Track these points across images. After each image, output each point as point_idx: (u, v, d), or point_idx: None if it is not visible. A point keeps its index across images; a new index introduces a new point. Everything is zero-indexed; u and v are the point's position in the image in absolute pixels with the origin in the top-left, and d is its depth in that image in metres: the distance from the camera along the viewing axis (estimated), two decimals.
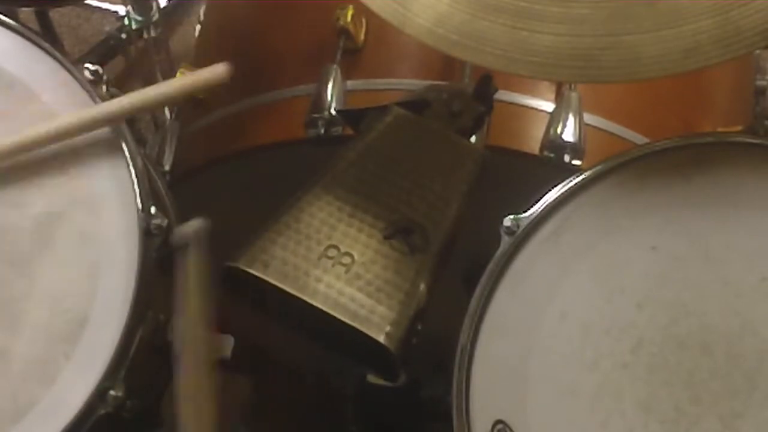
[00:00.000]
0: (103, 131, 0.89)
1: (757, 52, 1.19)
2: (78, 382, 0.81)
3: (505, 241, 0.82)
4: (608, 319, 0.80)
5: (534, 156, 0.99)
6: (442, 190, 0.84)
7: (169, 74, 1.22)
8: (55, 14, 1.46)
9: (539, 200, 0.83)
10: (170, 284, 0.94)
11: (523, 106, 1.02)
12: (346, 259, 0.81)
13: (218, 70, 0.91)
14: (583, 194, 0.84)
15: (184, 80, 0.94)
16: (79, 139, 0.88)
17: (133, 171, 0.87)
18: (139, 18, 1.22)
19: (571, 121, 0.99)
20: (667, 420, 0.76)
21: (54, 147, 0.88)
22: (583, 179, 0.84)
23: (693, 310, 0.79)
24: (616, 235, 0.82)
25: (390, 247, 0.81)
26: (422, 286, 0.81)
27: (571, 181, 0.84)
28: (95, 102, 0.90)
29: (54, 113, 0.90)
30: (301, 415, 1.32)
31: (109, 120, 0.89)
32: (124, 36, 1.42)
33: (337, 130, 1.00)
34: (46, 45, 0.92)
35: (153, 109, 0.94)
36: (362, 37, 1.05)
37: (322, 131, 1.00)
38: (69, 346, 0.82)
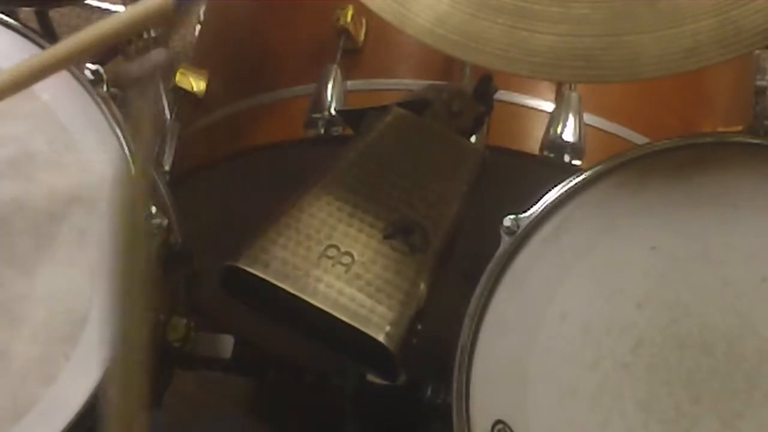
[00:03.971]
0: (103, 130, 0.89)
1: (757, 52, 1.20)
2: (78, 381, 0.81)
3: (505, 241, 0.82)
4: (608, 319, 0.80)
5: (534, 156, 0.99)
6: (442, 190, 0.84)
7: (169, 74, 1.22)
8: (55, 14, 1.46)
9: (539, 200, 0.83)
10: (171, 284, 0.94)
11: (523, 106, 1.02)
12: (346, 259, 0.81)
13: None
14: (583, 194, 0.84)
15: (125, 13, 0.88)
16: (78, 139, 0.89)
17: (133, 170, 0.87)
18: None
19: (571, 121, 0.99)
20: (667, 420, 0.76)
21: (54, 146, 0.88)
22: (583, 179, 0.84)
23: (693, 310, 0.79)
24: (616, 235, 0.82)
25: (390, 247, 0.81)
26: (422, 286, 0.81)
27: (571, 181, 0.84)
28: (96, 102, 0.90)
29: (54, 112, 0.90)
30: (301, 415, 1.32)
31: (64, 62, 0.86)
32: None
33: (337, 130, 1.00)
34: (47, 44, 0.92)
35: (102, 44, 0.87)
36: (362, 37, 1.05)
37: (322, 131, 1.00)
38: (69, 346, 0.82)
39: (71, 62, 0.87)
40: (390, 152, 0.85)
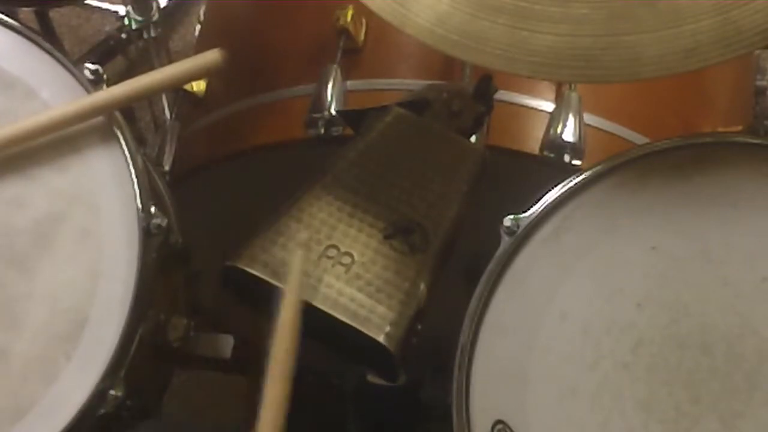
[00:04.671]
0: (104, 130, 0.89)
1: (757, 52, 1.20)
2: (78, 381, 0.81)
3: (505, 241, 0.82)
4: (608, 319, 0.80)
5: (534, 156, 0.99)
6: (442, 190, 0.84)
7: None
8: (55, 14, 1.46)
9: (539, 200, 0.83)
10: (171, 284, 0.94)
11: (523, 106, 1.02)
12: (346, 259, 0.81)
13: (211, 56, 0.90)
14: (583, 194, 0.84)
15: (177, 66, 0.93)
16: (79, 139, 0.89)
17: (133, 171, 0.87)
18: (139, 18, 1.23)
19: (571, 121, 0.99)
20: (667, 420, 0.76)
21: (54, 146, 0.88)
22: (583, 179, 0.84)
23: (693, 310, 0.79)
24: (616, 235, 0.82)
25: (390, 247, 0.81)
26: (422, 286, 0.81)
27: (571, 181, 0.84)
28: None
29: None
30: (301, 414, 1.32)
31: (105, 108, 0.88)
32: (124, 36, 1.43)
33: (337, 130, 1.00)
34: (47, 45, 0.92)
35: (148, 96, 0.93)
36: (362, 37, 1.05)
37: (322, 131, 1.00)
38: (69, 346, 0.82)
39: (123, 105, 0.90)
40: (390, 152, 0.85)
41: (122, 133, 0.88)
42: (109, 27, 1.71)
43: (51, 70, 0.91)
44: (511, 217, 0.83)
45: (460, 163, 0.86)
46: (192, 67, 0.92)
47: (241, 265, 0.80)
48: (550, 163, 0.98)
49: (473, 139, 0.91)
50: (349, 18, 1.03)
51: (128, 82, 0.90)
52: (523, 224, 0.83)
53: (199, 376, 1.41)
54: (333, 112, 1.00)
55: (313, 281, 0.79)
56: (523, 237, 0.82)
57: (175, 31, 1.75)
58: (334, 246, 0.81)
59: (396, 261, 0.81)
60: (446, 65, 1.03)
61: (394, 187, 0.84)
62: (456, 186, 0.84)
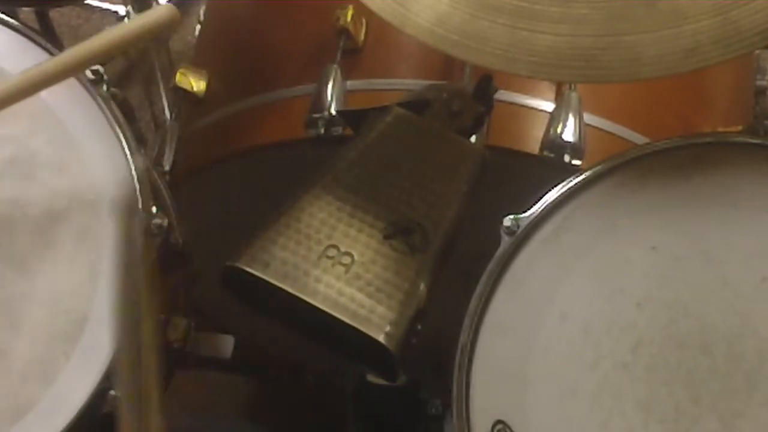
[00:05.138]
0: (104, 130, 0.89)
1: (757, 52, 1.20)
2: (78, 381, 0.81)
3: (505, 241, 0.82)
4: (608, 319, 0.80)
5: (534, 156, 0.99)
6: (442, 190, 0.84)
7: (169, 74, 1.22)
8: (55, 14, 1.46)
9: (539, 200, 0.84)
10: (171, 284, 0.94)
11: (523, 106, 1.02)
12: (346, 259, 0.81)
13: (162, 11, 0.87)
14: (583, 194, 0.84)
15: (129, 25, 0.90)
16: (79, 139, 0.89)
17: (133, 170, 0.87)
18: None
19: (571, 121, 0.99)
20: (667, 420, 0.76)
21: (53, 146, 0.88)
22: (583, 179, 0.84)
23: (693, 310, 0.79)
24: (616, 235, 0.82)
25: (390, 247, 0.81)
26: (422, 286, 0.81)
27: (571, 181, 0.84)
28: (96, 102, 0.90)
29: (54, 111, 0.90)
30: (301, 415, 1.32)
31: (71, 71, 0.87)
32: None
33: (337, 130, 1.00)
34: (47, 44, 0.93)
35: (106, 55, 0.89)
36: (362, 37, 1.05)
37: (322, 131, 1.00)
38: (69, 346, 0.82)
39: (79, 70, 0.88)
40: (390, 152, 0.85)
41: (122, 133, 0.88)
42: (109, 27, 1.71)
43: None
44: (511, 217, 0.83)
45: (460, 163, 0.86)
46: (145, 23, 0.88)
47: (241, 265, 0.80)
48: (550, 163, 0.98)
49: (473, 139, 0.91)
50: (349, 18, 1.03)
51: (87, 41, 0.87)
52: (523, 224, 0.83)
53: (199, 376, 1.41)
54: (333, 112, 1.00)
55: (313, 281, 0.79)
56: (523, 237, 0.82)
57: (175, 31, 1.75)
58: (334, 246, 0.81)
59: (396, 261, 0.81)
60: (446, 65, 1.03)
61: (394, 187, 0.84)
62: (456, 186, 0.84)
